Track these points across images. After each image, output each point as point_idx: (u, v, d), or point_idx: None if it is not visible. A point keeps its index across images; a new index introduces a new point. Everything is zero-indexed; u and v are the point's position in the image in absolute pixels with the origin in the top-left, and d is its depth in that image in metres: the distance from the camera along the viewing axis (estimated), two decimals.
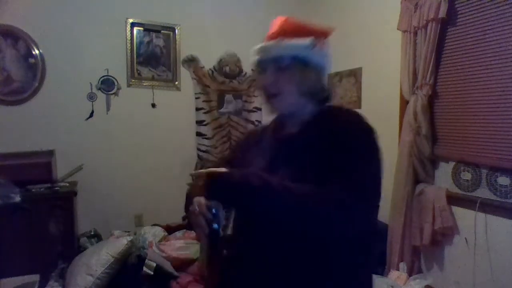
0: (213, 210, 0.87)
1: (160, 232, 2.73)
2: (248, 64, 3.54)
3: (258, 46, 0.99)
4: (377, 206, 0.95)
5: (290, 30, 0.98)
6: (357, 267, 0.96)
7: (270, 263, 0.92)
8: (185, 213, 0.99)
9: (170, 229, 2.85)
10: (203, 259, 0.89)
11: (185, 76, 3.33)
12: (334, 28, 1.03)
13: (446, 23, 2.26)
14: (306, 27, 1.00)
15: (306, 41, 0.97)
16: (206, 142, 3.34)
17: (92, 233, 2.89)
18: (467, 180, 2.23)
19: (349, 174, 0.87)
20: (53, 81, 2.90)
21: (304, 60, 0.97)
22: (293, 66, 0.96)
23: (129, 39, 3.11)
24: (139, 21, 3.14)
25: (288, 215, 0.86)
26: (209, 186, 0.87)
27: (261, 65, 0.99)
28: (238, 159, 1.10)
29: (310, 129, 0.98)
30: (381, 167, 0.92)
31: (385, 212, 2.61)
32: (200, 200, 0.90)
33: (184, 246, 2.51)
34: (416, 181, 2.44)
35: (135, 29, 3.14)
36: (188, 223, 0.92)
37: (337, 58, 3.38)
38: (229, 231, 0.93)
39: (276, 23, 1.01)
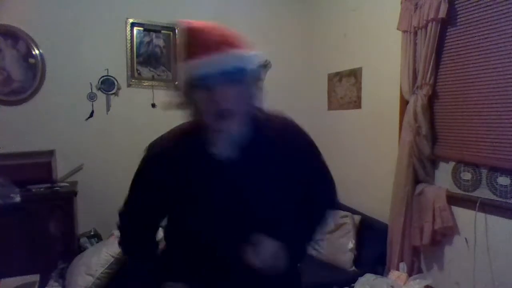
0: None
1: (160, 232, 2.73)
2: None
3: (204, 59, 0.88)
4: None
5: (233, 41, 0.92)
6: None
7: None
8: None
9: None
10: None
11: None
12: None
13: (446, 23, 2.26)
14: (240, 37, 0.95)
15: (253, 52, 0.94)
16: None
17: (92, 233, 2.89)
18: (467, 180, 2.23)
19: (322, 172, 1.13)
20: (53, 81, 2.90)
21: (252, 71, 0.93)
22: (242, 80, 0.91)
23: (129, 39, 3.11)
24: (139, 21, 3.14)
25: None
26: None
27: (208, 79, 0.88)
28: (173, 188, 1.01)
29: (255, 144, 0.98)
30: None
31: (385, 212, 2.61)
32: None
33: None
34: (416, 181, 2.44)
35: (135, 29, 3.14)
36: None
37: (337, 58, 3.42)
38: None
39: (212, 32, 0.91)
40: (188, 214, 1.02)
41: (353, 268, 2.61)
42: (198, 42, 0.90)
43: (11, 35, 2.78)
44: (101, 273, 2.33)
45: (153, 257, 1.12)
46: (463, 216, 2.22)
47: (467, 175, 2.23)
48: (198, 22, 0.93)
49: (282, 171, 1.00)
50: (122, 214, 1.12)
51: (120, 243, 1.15)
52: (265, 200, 0.98)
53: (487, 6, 2.04)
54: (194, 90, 0.91)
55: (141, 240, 1.13)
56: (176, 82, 0.96)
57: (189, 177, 0.99)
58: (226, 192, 0.97)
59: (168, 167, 1.00)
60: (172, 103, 0.96)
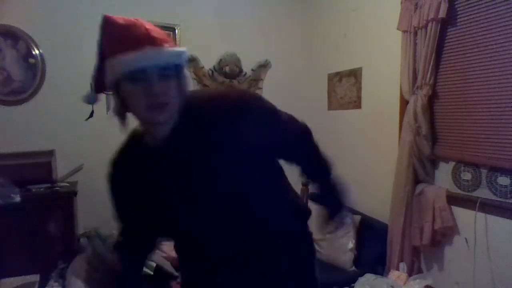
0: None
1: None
2: (248, 64, 3.55)
3: (139, 53, 0.86)
4: None
5: (163, 36, 0.92)
6: None
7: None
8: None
9: None
10: None
11: None
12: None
13: (446, 23, 2.26)
14: (161, 32, 0.94)
15: (182, 48, 0.95)
16: None
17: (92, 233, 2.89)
18: (467, 180, 2.23)
19: (286, 129, 1.08)
20: (53, 81, 2.90)
21: (182, 68, 0.94)
22: (175, 74, 0.92)
23: None
24: None
25: None
26: None
27: (142, 73, 0.87)
28: (140, 197, 1.02)
29: (186, 131, 0.96)
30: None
31: (385, 212, 2.61)
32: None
33: None
34: (416, 181, 2.44)
35: None
36: None
37: (337, 58, 3.42)
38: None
39: (144, 27, 0.91)
40: (161, 218, 1.04)
41: (353, 268, 2.61)
42: (129, 36, 0.89)
43: (11, 35, 2.78)
44: None
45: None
46: (463, 216, 2.22)
47: (467, 175, 2.23)
48: (123, 17, 0.94)
49: (233, 146, 0.96)
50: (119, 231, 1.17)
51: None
52: (221, 180, 0.97)
53: (487, 6, 2.04)
54: (124, 86, 0.90)
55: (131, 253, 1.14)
56: (91, 82, 0.99)
57: (146, 182, 1.00)
58: (181, 185, 0.97)
59: (127, 180, 1.03)
60: (114, 109, 0.98)
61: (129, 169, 1.03)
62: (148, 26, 0.91)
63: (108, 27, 0.94)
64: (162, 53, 0.88)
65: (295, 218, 1.16)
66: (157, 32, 0.91)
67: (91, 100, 1.06)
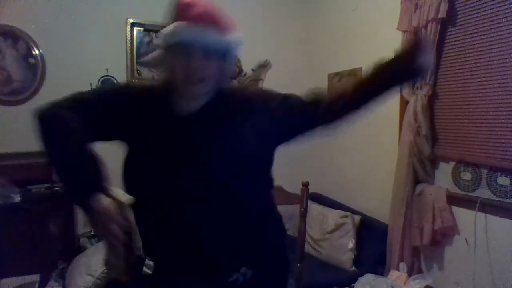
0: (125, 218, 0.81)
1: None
2: (248, 64, 3.54)
3: (193, 28, 0.93)
4: None
5: (223, 20, 0.98)
6: None
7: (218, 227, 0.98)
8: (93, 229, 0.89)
9: None
10: (118, 267, 0.79)
11: None
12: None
13: (446, 23, 2.26)
14: (228, 18, 1.00)
15: (236, 36, 1.00)
16: None
17: (92, 233, 2.89)
18: (467, 180, 2.23)
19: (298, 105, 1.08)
20: (53, 81, 2.90)
21: (229, 52, 1.01)
22: (220, 56, 0.98)
23: (129, 39, 3.11)
24: (139, 21, 3.13)
25: None
26: None
27: (186, 47, 0.93)
28: (126, 123, 1.00)
29: (212, 108, 1.02)
30: None
31: (385, 212, 2.61)
32: (105, 205, 0.81)
33: None
34: (416, 181, 2.44)
35: (135, 29, 3.13)
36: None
37: (337, 58, 3.42)
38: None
39: (206, 7, 0.96)
40: (138, 162, 1.00)
41: (353, 268, 2.61)
42: (189, 8, 0.95)
43: (11, 35, 2.78)
44: (101, 273, 2.32)
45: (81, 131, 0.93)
46: (463, 216, 2.22)
47: (467, 175, 2.23)
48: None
49: (246, 137, 1.00)
50: (63, 103, 0.98)
51: (49, 116, 0.94)
52: (220, 161, 0.97)
53: (487, 6, 2.04)
54: (172, 51, 0.96)
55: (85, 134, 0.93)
56: (156, 41, 1.02)
57: (147, 125, 1.01)
58: (179, 147, 0.99)
59: (135, 107, 1.02)
60: (153, 60, 1.04)
61: (149, 103, 1.03)
62: (213, 7, 0.97)
63: None
64: (210, 33, 0.93)
65: (272, 219, 1.15)
66: (214, 14, 0.96)
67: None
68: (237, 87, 1.19)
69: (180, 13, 0.97)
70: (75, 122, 0.91)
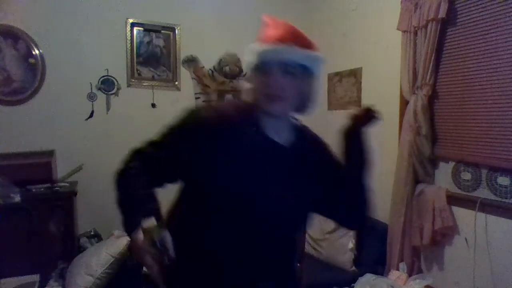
0: (158, 244, 0.85)
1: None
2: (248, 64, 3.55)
3: (270, 47, 0.97)
4: None
5: (301, 39, 1.00)
6: None
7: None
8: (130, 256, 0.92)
9: None
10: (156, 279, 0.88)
11: (185, 76, 3.33)
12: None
13: (446, 23, 2.26)
14: (308, 38, 1.03)
15: (317, 53, 1.02)
16: None
17: (92, 233, 2.89)
18: (467, 180, 2.23)
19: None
20: (53, 81, 2.90)
21: (310, 71, 1.02)
22: (300, 74, 0.99)
23: (129, 39, 3.11)
24: (139, 21, 3.14)
25: None
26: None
27: (266, 66, 0.97)
28: (213, 147, 1.00)
29: (298, 143, 1.08)
30: None
31: (385, 212, 2.61)
32: (139, 242, 0.87)
33: None
34: (416, 181, 2.44)
35: (135, 29, 3.13)
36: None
37: (337, 58, 3.43)
38: (172, 254, 0.88)
39: (280, 26, 1.01)
40: (227, 177, 0.99)
41: (353, 268, 2.60)
42: (268, 29, 1.01)
43: (11, 35, 2.78)
44: (101, 273, 2.33)
45: (150, 194, 1.02)
46: (463, 216, 2.22)
47: (467, 175, 2.23)
48: (275, 19, 1.05)
49: (320, 175, 1.08)
50: (141, 151, 1.06)
51: (120, 172, 1.07)
52: (304, 194, 1.05)
53: (487, 6, 2.04)
54: (255, 71, 1.00)
55: (143, 180, 1.03)
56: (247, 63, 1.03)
57: (236, 149, 1.00)
58: (269, 175, 1.02)
59: (214, 134, 1.01)
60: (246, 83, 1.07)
61: (221, 125, 1.02)
62: (289, 26, 1.01)
63: (267, 20, 1.06)
64: (287, 51, 0.96)
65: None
66: (291, 32, 1.00)
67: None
68: (304, 125, 1.18)
69: (262, 34, 1.02)
70: (136, 170, 1.03)
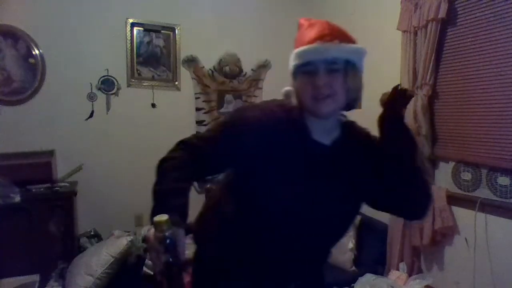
0: (167, 241, 0.80)
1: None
2: (248, 64, 3.55)
3: (312, 46, 0.95)
4: None
5: (341, 34, 0.98)
6: None
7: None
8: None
9: None
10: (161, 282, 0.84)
11: (185, 76, 3.33)
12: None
13: (446, 23, 2.26)
14: (347, 32, 1.01)
15: (359, 46, 1.00)
16: None
17: (92, 233, 2.89)
18: (467, 180, 2.23)
19: None
20: (53, 81, 2.90)
21: (354, 65, 0.99)
22: (345, 70, 0.96)
23: (129, 39, 3.12)
24: (139, 21, 3.14)
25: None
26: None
27: (310, 66, 0.95)
28: (257, 147, 0.98)
29: (344, 145, 1.05)
30: None
31: (385, 212, 2.61)
32: (149, 235, 0.83)
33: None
34: None
35: (135, 29, 3.14)
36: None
37: None
38: (183, 256, 0.84)
39: (318, 25, 0.99)
40: (268, 187, 0.99)
41: (353, 268, 2.61)
42: (304, 33, 1.00)
43: (11, 35, 2.78)
44: (101, 273, 2.32)
45: (183, 189, 0.98)
46: (463, 216, 2.22)
47: (467, 175, 2.23)
48: (309, 19, 1.04)
49: (367, 177, 1.05)
50: (186, 142, 1.04)
51: (162, 160, 1.02)
52: (350, 197, 1.04)
53: (487, 6, 2.04)
54: (298, 74, 0.98)
55: (181, 172, 0.99)
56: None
57: (282, 153, 0.99)
58: (316, 181, 1.00)
59: (263, 134, 0.99)
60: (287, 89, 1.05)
61: (273, 126, 1.00)
62: (329, 24, 0.99)
63: (300, 23, 1.06)
64: (329, 48, 0.94)
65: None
66: (330, 29, 0.97)
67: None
68: (351, 121, 1.17)
69: (300, 36, 1.01)
70: (177, 161, 1.00)
